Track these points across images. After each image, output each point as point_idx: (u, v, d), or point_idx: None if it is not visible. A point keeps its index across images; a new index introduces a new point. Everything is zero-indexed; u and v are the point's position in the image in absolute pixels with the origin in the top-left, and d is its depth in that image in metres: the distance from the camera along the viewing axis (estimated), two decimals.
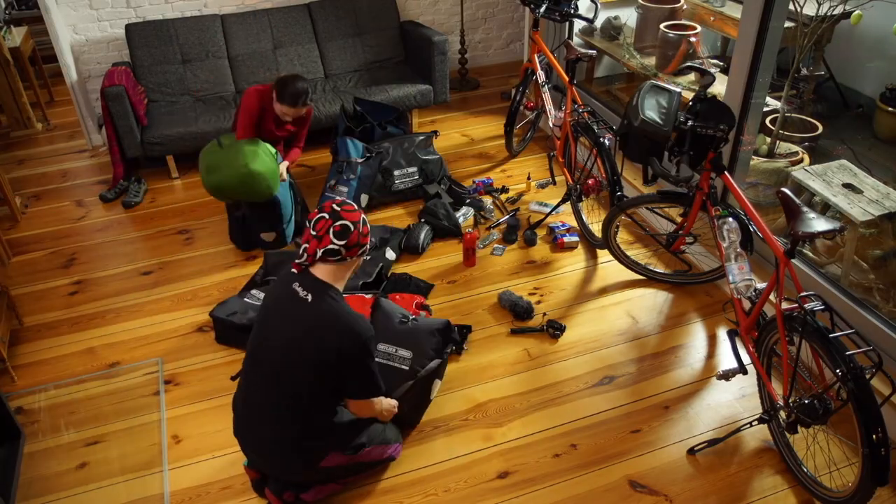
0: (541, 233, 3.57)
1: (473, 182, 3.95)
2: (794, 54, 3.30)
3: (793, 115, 3.55)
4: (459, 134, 4.60)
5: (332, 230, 1.98)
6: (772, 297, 2.55)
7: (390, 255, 3.31)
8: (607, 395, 2.64)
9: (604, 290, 3.17)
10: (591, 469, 2.37)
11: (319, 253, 1.99)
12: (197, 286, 3.28)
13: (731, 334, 2.53)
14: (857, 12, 3.34)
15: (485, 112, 4.88)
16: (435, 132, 4.02)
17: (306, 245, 2.01)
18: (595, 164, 3.27)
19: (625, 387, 2.68)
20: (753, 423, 2.40)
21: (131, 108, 3.89)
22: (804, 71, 3.68)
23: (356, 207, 2.07)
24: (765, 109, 3.10)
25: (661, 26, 4.06)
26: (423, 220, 3.57)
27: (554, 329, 2.91)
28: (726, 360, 2.78)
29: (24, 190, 4.17)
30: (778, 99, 3.44)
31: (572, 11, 3.48)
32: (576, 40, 4.59)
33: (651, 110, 2.57)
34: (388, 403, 2.25)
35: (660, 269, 3.24)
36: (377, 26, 4.72)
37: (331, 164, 3.72)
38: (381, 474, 2.36)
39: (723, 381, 2.64)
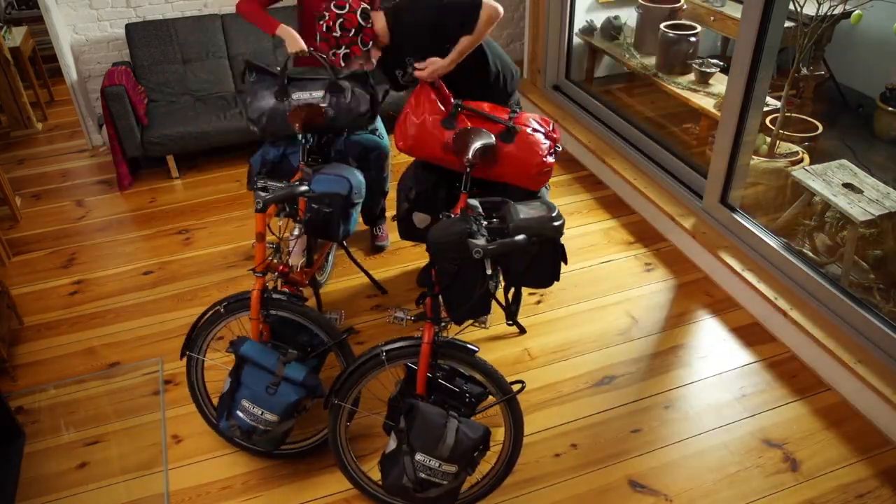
0: None
1: None
2: (794, 54, 3.30)
3: (793, 114, 3.55)
4: None
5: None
6: None
7: None
8: (607, 395, 2.64)
9: (604, 290, 3.17)
10: (591, 469, 2.37)
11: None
12: (197, 286, 3.28)
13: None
14: (857, 12, 3.34)
15: None
16: None
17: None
18: None
19: (625, 387, 2.68)
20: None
21: (131, 108, 3.89)
22: (804, 71, 3.68)
23: None
24: (765, 109, 3.10)
25: (661, 26, 4.07)
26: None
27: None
28: (726, 360, 2.78)
29: (24, 190, 4.17)
30: (778, 99, 3.44)
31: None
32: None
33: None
34: None
35: None
36: None
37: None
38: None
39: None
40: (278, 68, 2.75)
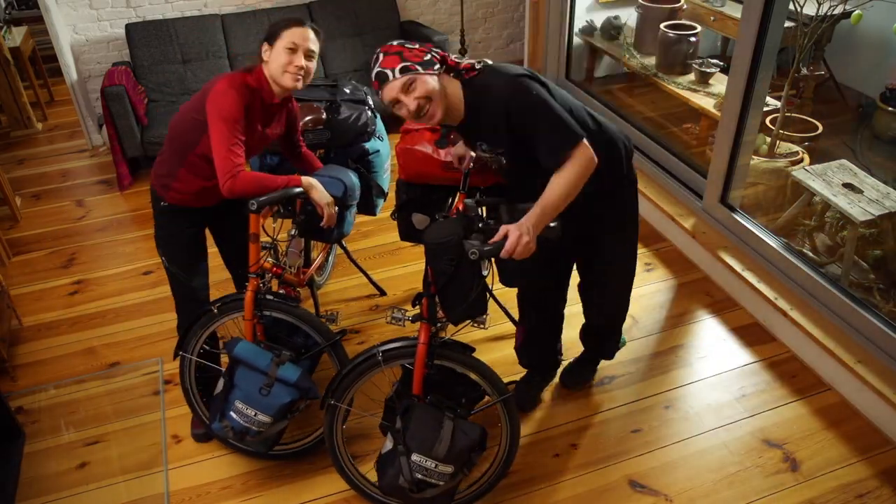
0: None
1: None
2: (794, 54, 3.30)
3: (793, 114, 3.55)
4: None
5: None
6: None
7: None
8: (607, 395, 2.64)
9: None
10: (591, 469, 2.37)
11: None
12: None
13: None
14: (857, 12, 3.34)
15: None
16: None
17: None
18: None
19: (625, 387, 2.68)
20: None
21: (131, 108, 3.89)
22: (804, 71, 3.68)
23: None
24: (765, 109, 3.10)
25: (661, 26, 4.06)
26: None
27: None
28: (726, 360, 2.78)
29: (24, 190, 4.17)
30: (778, 99, 3.44)
31: None
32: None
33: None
34: None
35: None
36: (377, 26, 4.72)
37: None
38: None
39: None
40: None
